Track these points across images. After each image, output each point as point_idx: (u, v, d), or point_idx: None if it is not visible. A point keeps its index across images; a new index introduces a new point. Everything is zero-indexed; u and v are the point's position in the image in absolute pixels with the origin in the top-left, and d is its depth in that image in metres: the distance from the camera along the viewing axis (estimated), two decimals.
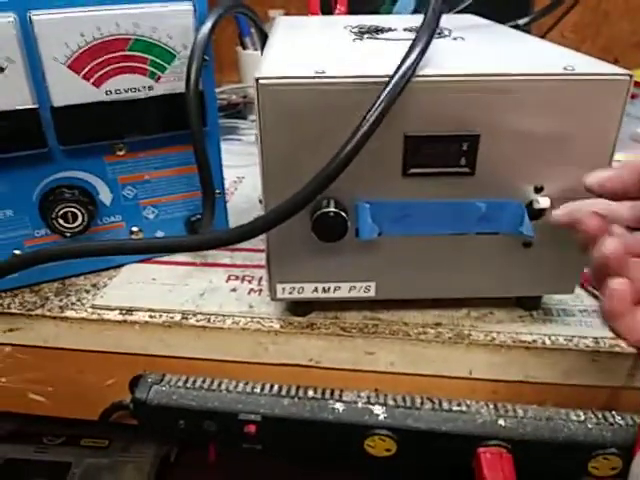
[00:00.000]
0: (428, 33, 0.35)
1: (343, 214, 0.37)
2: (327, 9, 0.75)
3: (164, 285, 0.51)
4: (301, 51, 0.45)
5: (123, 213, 0.52)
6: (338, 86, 0.35)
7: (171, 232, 0.54)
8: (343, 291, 0.43)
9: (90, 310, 0.48)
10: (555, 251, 0.42)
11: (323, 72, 0.35)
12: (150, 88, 0.47)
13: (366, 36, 0.48)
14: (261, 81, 0.35)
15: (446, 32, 0.50)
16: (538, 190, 0.39)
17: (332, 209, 0.37)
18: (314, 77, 0.35)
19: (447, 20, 0.57)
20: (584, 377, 0.44)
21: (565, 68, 0.36)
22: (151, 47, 0.46)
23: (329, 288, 0.43)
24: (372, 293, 0.43)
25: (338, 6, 0.72)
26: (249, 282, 0.51)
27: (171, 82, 0.47)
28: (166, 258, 0.55)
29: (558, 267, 0.42)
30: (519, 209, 0.39)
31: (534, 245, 0.41)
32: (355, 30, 0.52)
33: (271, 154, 0.37)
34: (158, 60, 0.46)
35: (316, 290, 0.43)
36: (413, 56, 0.34)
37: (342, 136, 0.34)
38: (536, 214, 0.39)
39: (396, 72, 0.34)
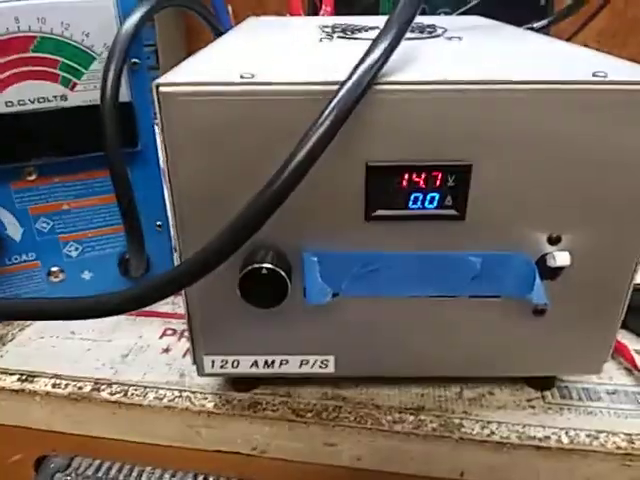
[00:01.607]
0: (398, 25, 0.25)
1: (282, 272, 0.27)
2: (313, 10, 0.65)
3: (83, 341, 0.41)
4: (238, 53, 0.35)
5: (37, 250, 0.42)
6: (271, 95, 0.25)
7: (101, 272, 0.44)
8: (292, 366, 0.32)
9: None
10: (576, 320, 0.31)
11: (251, 76, 0.25)
12: (63, 98, 0.37)
13: (337, 35, 0.38)
14: (162, 89, 0.25)
15: (440, 31, 0.40)
16: (553, 241, 0.28)
17: (265, 264, 0.27)
18: (238, 83, 0.25)
19: (447, 21, 0.47)
20: None
21: (594, 74, 0.26)
22: (62, 47, 0.36)
23: (273, 362, 0.32)
24: (330, 369, 0.33)
25: (324, 6, 0.62)
26: (187, 340, 0.41)
27: (90, 91, 0.38)
28: None
29: (580, 341, 0.32)
30: (527, 266, 0.28)
31: (549, 312, 0.30)
32: (328, 29, 0.42)
33: (182, 187, 0.27)
34: (72, 63, 0.37)
35: (256, 364, 0.32)
36: (377, 52, 0.24)
37: (279, 162, 0.24)
38: (551, 273, 0.29)
39: (351, 76, 0.24)
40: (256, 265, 0.27)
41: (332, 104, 0.23)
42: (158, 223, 0.44)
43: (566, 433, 0.33)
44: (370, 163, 0.26)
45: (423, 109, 0.25)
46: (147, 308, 0.43)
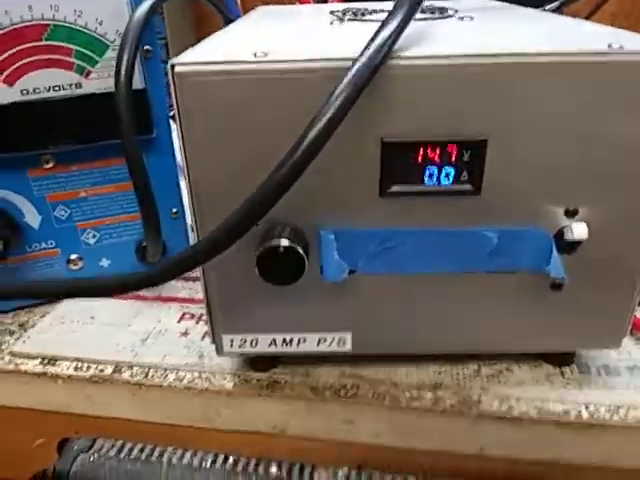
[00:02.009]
0: (410, 2, 0.25)
1: (299, 249, 0.27)
2: None
3: (103, 326, 0.41)
4: (250, 36, 0.35)
5: (56, 238, 0.43)
6: (285, 73, 0.25)
7: (119, 260, 0.45)
8: (310, 344, 0.33)
9: (7, 358, 0.39)
10: (595, 294, 0.31)
11: (265, 55, 0.25)
12: (78, 86, 0.38)
13: (348, 18, 0.38)
14: (178, 68, 0.25)
15: (451, 12, 0.40)
16: (571, 214, 0.28)
17: (283, 242, 0.27)
18: (252, 62, 0.25)
19: (457, 4, 0.46)
20: (633, 461, 0.33)
21: (610, 45, 0.25)
22: (75, 35, 0.37)
23: (291, 340, 0.33)
24: (348, 347, 0.33)
25: None
26: (206, 323, 0.41)
27: (105, 79, 0.38)
28: None
29: (599, 315, 0.32)
30: (544, 241, 0.28)
31: (566, 287, 0.30)
32: (339, 14, 0.42)
33: (200, 166, 0.27)
34: (86, 51, 0.37)
35: (274, 343, 0.33)
36: (390, 28, 0.24)
37: (295, 140, 0.24)
38: (568, 247, 0.29)
39: (364, 52, 0.24)
40: (274, 243, 0.27)
41: (346, 80, 0.23)
42: (174, 210, 0.44)
43: (586, 408, 0.33)
44: (385, 139, 0.26)
45: (438, 84, 0.25)
46: (165, 294, 0.45)
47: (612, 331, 0.32)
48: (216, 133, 0.26)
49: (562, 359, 0.35)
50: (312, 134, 0.23)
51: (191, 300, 0.44)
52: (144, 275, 0.26)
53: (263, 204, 0.24)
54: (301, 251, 0.27)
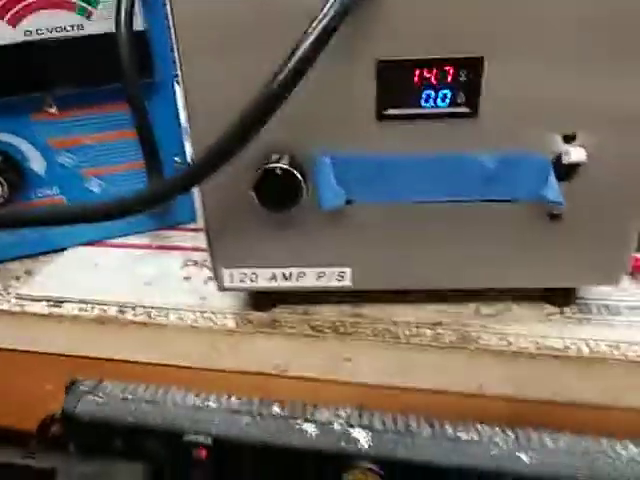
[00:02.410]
0: None
1: (295, 172, 0.27)
2: None
3: (107, 272, 0.42)
4: None
5: (61, 185, 0.43)
6: None
7: None
8: (309, 279, 0.33)
9: (14, 301, 0.39)
10: (593, 225, 0.30)
11: None
12: (80, 27, 0.38)
13: None
14: None
15: None
16: (569, 139, 0.28)
17: (280, 165, 0.27)
18: None
19: None
20: (635, 396, 0.33)
21: None
22: None
23: (290, 275, 0.33)
24: (347, 282, 0.33)
25: None
26: (208, 269, 0.41)
27: (107, 20, 0.38)
28: (117, 241, 0.46)
29: (598, 248, 0.31)
30: (542, 165, 0.28)
31: (564, 217, 0.30)
32: None
33: (196, 81, 0.27)
34: None
35: (274, 278, 0.33)
36: None
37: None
38: (566, 173, 0.28)
39: None
40: (270, 165, 0.27)
41: None
42: (176, 159, 0.44)
43: (586, 343, 0.32)
44: (381, 58, 0.26)
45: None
46: (168, 242, 0.45)
47: (612, 266, 0.32)
48: (212, 45, 0.26)
49: (563, 299, 0.35)
50: (301, 51, 0.23)
51: (195, 249, 0.45)
52: (141, 195, 0.26)
53: (257, 117, 0.24)
54: (297, 174, 0.27)
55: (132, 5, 0.36)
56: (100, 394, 0.38)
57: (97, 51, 0.38)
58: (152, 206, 0.26)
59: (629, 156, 0.28)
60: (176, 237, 0.46)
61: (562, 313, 0.35)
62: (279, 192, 0.28)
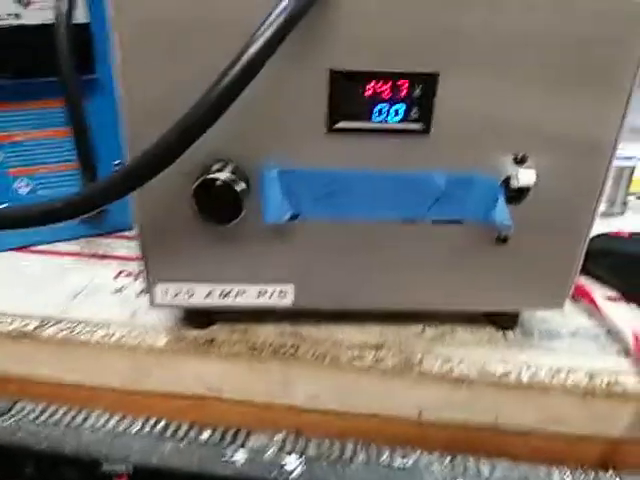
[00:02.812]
0: None
1: (236, 185, 0.26)
2: None
3: (33, 281, 0.39)
4: None
5: None
6: None
7: None
8: (249, 296, 0.31)
9: None
10: (540, 250, 0.30)
11: None
12: (17, 16, 0.35)
13: None
14: None
15: None
16: (519, 161, 0.28)
17: (221, 175, 0.26)
18: None
19: None
20: (572, 424, 0.33)
21: None
22: None
23: (229, 292, 0.31)
24: (289, 300, 0.31)
25: None
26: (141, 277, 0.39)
27: (46, 10, 0.36)
28: (47, 247, 0.43)
29: (543, 272, 0.31)
30: (492, 187, 0.28)
31: (512, 240, 0.30)
32: None
33: (134, 84, 0.25)
34: None
35: (211, 294, 0.31)
36: None
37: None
38: (516, 195, 0.28)
39: None
40: (210, 175, 0.26)
41: None
42: (116, 162, 0.42)
43: (527, 368, 0.32)
44: (334, 68, 0.25)
45: (389, 8, 0.24)
46: (102, 250, 0.42)
47: (556, 290, 0.32)
48: (152, 47, 0.24)
49: (506, 322, 0.35)
50: (247, 56, 0.22)
51: (130, 258, 0.42)
52: (69, 200, 0.24)
53: (196, 126, 0.22)
54: (239, 187, 0.26)
55: None
56: (12, 417, 0.35)
57: (34, 42, 0.36)
58: (80, 214, 0.24)
59: (578, 181, 0.28)
60: (111, 245, 0.43)
61: (505, 336, 0.35)
62: (219, 204, 0.26)
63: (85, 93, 0.38)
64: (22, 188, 0.41)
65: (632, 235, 0.39)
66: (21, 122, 0.39)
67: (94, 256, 0.42)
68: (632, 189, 0.48)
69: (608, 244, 0.37)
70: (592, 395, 0.31)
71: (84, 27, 0.36)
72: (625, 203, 0.47)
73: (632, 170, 0.45)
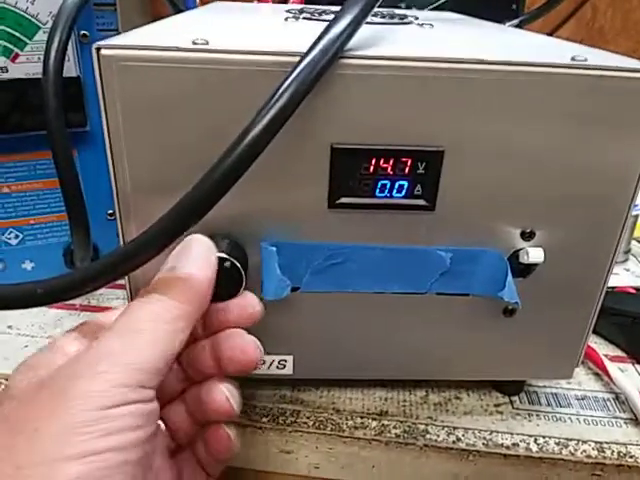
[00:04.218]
0: None
1: (235, 261, 0.25)
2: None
3: (20, 337, 0.37)
4: (196, 25, 0.32)
5: None
6: (227, 64, 0.23)
7: (45, 263, 0.41)
8: None
9: None
10: (548, 322, 0.29)
11: (205, 43, 0.23)
12: (3, 69, 0.34)
13: (303, 16, 0.36)
14: (104, 52, 0.22)
15: (411, 19, 0.38)
16: (527, 236, 0.27)
17: (219, 253, 0.24)
18: (189, 49, 0.22)
19: (419, 14, 0.45)
20: None
21: (573, 59, 0.24)
22: (4, 14, 0.33)
23: None
24: (289, 370, 0.30)
25: None
26: None
27: (34, 63, 0.35)
28: None
29: (552, 344, 0.30)
30: (499, 263, 0.27)
31: (519, 312, 0.29)
32: (295, 12, 0.39)
33: (127, 163, 0.24)
34: (14, 32, 0.34)
35: None
36: (344, 22, 0.22)
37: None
38: (523, 270, 0.27)
39: (314, 46, 0.22)
40: None
41: (292, 76, 0.21)
42: (109, 212, 0.41)
43: (535, 440, 0.31)
44: (335, 145, 0.24)
45: (393, 87, 0.23)
46: (95, 302, 0.41)
47: (564, 361, 0.31)
48: (145, 128, 0.23)
49: (512, 388, 0.34)
50: (251, 136, 0.21)
51: None
52: (50, 285, 0.23)
53: (196, 208, 0.21)
54: (239, 264, 0.25)
55: (64, 49, 0.33)
56: None
57: (22, 96, 0.35)
58: (64, 299, 0.23)
59: (588, 255, 0.28)
60: (107, 296, 0.42)
61: (511, 403, 0.33)
62: (217, 281, 0.24)
63: (76, 145, 0.37)
64: (11, 239, 0.39)
65: (638, 290, 0.38)
66: (10, 174, 0.38)
67: (87, 308, 0.41)
68: (635, 234, 0.47)
69: (614, 301, 0.36)
70: (602, 469, 0.30)
71: (75, 80, 0.35)
72: (628, 251, 0.46)
73: (636, 219, 0.44)
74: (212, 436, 0.26)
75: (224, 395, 0.25)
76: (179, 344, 0.22)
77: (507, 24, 0.59)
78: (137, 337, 0.21)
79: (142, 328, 0.21)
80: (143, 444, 0.20)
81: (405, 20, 0.37)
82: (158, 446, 0.25)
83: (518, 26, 0.58)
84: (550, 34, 0.72)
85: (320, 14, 0.37)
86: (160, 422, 0.26)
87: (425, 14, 0.48)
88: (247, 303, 0.25)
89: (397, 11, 0.43)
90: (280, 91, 0.21)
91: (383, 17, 0.38)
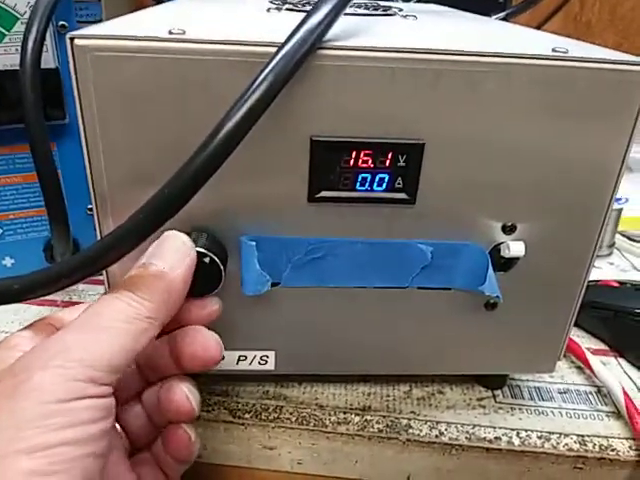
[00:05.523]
0: None
1: (213, 256, 0.24)
2: None
3: (1, 334, 0.37)
4: (174, 14, 0.31)
5: None
6: (203, 54, 0.22)
7: (25, 259, 0.40)
8: (229, 362, 0.30)
9: None
10: (529, 315, 0.29)
11: (182, 32, 0.22)
12: None
13: (286, 7, 0.36)
14: (78, 42, 0.22)
15: (394, 10, 0.38)
16: (508, 230, 0.27)
17: (197, 248, 0.24)
18: (165, 39, 0.22)
19: (404, 6, 0.45)
20: None
21: (554, 50, 0.24)
22: None
23: None
24: (271, 366, 0.30)
25: None
26: None
27: (12, 54, 0.34)
28: None
29: (534, 337, 0.30)
30: (480, 257, 0.26)
31: (501, 306, 0.29)
32: (278, 2, 0.39)
33: (101, 154, 0.24)
34: None
35: None
36: (320, 13, 0.22)
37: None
38: (504, 264, 0.27)
39: (292, 36, 0.21)
40: None
41: (268, 67, 0.21)
42: (89, 207, 0.40)
43: (517, 434, 0.31)
44: (315, 137, 0.24)
45: (373, 78, 0.23)
46: (76, 298, 0.41)
47: (546, 355, 0.31)
48: (120, 119, 0.23)
49: (495, 382, 0.34)
50: (226, 128, 0.20)
51: None
52: (24, 281, 0.22)
53: (171, 204, 0.21)
54: (217, 259, 0.24)
55: (41, 40, 0.32)
56: None
57: (1, 88, 0.34)
58: (41, 295, 0.22)
59: (569, 248, 0.27)
60: (88, 291, 0.42)
61: (494, 397, 0.33)
62: (196, 276, 0.24)
63: (55, 138, 0.36)
64: None
65: (621, 284, 0.38)
66: None
67: (69, 303, 0.40)
68: (620, 227, 0.47)
69: (596, 295, 0.36)
70: (583, 462, 0.30)
71: (53, 72, 0.34)
72: (612, 245, 0.46)
73: (619, 212, 0.45)
74: (172, 437, 0.25)
75: (184, 394, 0.25)
76: (144, 341, 0.21)
77: (493, 17, 0.59)
78: (96, 333, 0.20)
79: (103, 324, 0.21)
80: (101, 438, 0.19)
81: (389, 12, 0.37)
82: (116, 446, 0.25)
83: (505, 19, 0.58)
84: (537, 28, 0.72)
85: (304, 5, 0.37)
86: (116, 424, 0.25)
87: (411, 6, 0.48)
88: (206, 300, 0.25)
89: (381, 2, 0.42)
90: (256, 83, 0.21)
91: (367, 8, 0.37)
